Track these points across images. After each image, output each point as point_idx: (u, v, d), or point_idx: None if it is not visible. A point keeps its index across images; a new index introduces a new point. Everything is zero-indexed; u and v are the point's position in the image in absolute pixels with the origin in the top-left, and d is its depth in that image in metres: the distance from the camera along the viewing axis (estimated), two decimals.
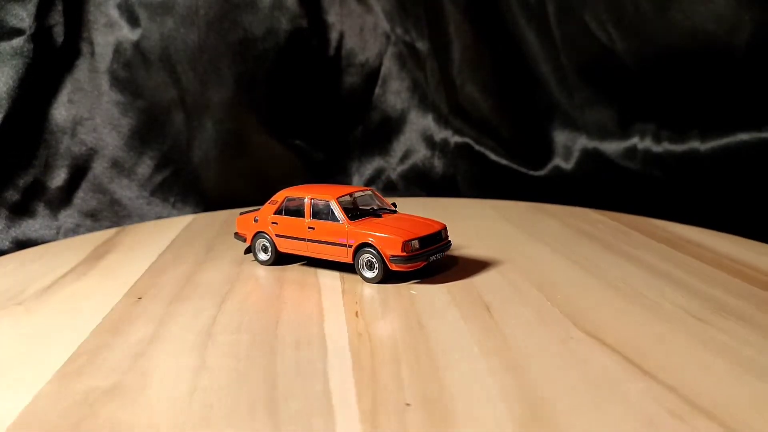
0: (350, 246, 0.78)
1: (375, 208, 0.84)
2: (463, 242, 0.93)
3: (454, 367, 0.55)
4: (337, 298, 0.72)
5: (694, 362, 0.55)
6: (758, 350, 0.57)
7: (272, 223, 0.84)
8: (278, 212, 0.84)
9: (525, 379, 0.52)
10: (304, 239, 0.81)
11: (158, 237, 1.04)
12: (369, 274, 0.77)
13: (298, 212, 0.82)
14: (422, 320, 0.65)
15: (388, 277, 0.76)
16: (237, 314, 0.68)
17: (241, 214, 0.90)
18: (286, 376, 0.54)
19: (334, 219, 0.79)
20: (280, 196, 0.85)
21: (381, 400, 0.49)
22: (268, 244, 0.85)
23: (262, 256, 0.86)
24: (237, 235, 0.90)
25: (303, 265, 0.85)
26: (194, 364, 0.56)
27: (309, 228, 0.81)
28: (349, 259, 0.78)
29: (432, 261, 0.78)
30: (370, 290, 0.74)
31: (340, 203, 0.80)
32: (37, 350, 0.61)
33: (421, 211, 0.90)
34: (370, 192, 0.86)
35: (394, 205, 0.87)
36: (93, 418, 0.48)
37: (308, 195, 0.82)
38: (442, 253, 0.80)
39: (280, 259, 0.85)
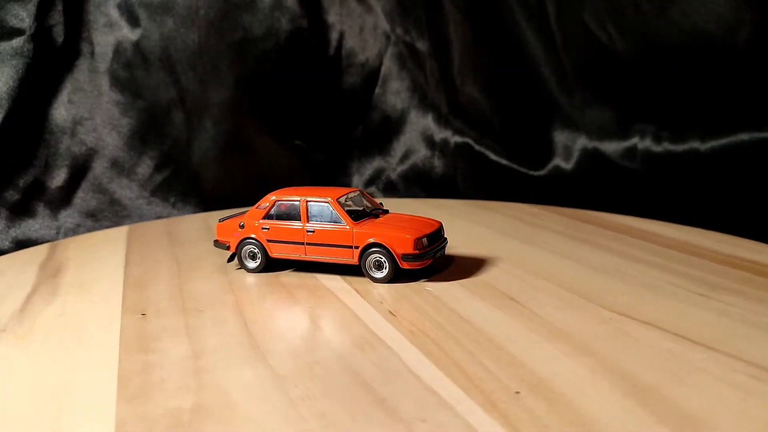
0: (357, 247, 0.77)
1: (367, 208, 0.83)
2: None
3: (529, 353, 0.56)
4: (358, 299, 0.71)
5: (729, 331, 0.59)
6: None
7: (263, 228, 0.82)
8: (268, 217, 0.82)
9: (602, 359, 0.54)
10: (302, 243, 0.80)
11: (104, 251, 0.98)
12: (378, 275, 0.76)
13: (291, 216, 0.80)
14: (462, 314, 0.65)
15: (396, 276, 0.76)
16: (267, 322, 0.67)
17: (220, 221, 0.86)
18: (375, 378, 0.53)
19: (336, 221, 0.78)
20: (267, 200, 0.83)
21: (489, 391, 0.50)
22: (257, 251, 0.82)
23: (251, 264, 0.83)
24: (218, 243, 0.86)
25: (294, 270, 0.83)
26: (266, 373, 0.55)
27: (308, 231, 0.79)
28: (354, 261, 0.77)
29: (438, 258, 0.78)
30: (383, 290, 0.74)
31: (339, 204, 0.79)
32: (72, 377, 0.57)
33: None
34: (358, 192, 0.85)
35: (382, 204, 0.86)
36: None
37: (302, 197, 0.80)
38: (444, 250, 0.80)
39: (269, 265, 0.83)
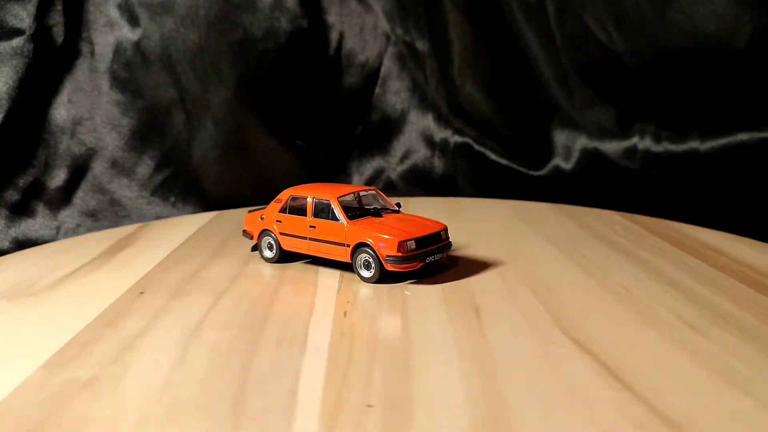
0: (348, 246, 0.78)
1: (378, 207, 0.84)
2: (465, 242, 0.93)
3: (428, 369, 0.55)
4: (331, 297, 0.72)
5: (675, 372, 0.53)
6: (747, 364, 0.55)
7: (277, 221, 0.86)
8: (282, 210, 0.85)
9: (495, 384, 0.52)
10: (305, 238, 0.82)
11: (176, 233, 1.05)
12: (366, 274, 0.77)
13: (301, 211, 0.84)
14: (408, 322, 0.65)
15: (384, 277, 0.76)
16: (229, 310, 0.69)
17: (249, 211, 0.92)
18: (259, 373, 0.54)
19: (335, 218, 0.80)
20: (285, 195, 0.86)
21: (345, 400, 0.49)
22: (273, 242, 0.86)
23: (268, 254, 0.87)
24: (245, 233, 0.92)
25: (306, 263, 0.86)
26: (174, 358, 0.57)
27: (310, 227, 0.82)
28: (347, 259, 0.79)
29: (429, 262, 0.78)
30: (365, 290, 0.75)
31: (341, 203, 0.80)
32: (32, 340, 0.63)
33: (430, 210, 0.89)
34: (373, 192, 0.86)
35: (398, 204, 0.87)
36: (64, 411, 0.49)
37: (311, 194, 0.83)
38: (441, 254, 0.80)
39: (285, 257, 0.86)
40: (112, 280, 0.80)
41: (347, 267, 0.81)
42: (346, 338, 0.61)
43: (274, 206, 0.87)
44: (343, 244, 0.79)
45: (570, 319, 0.65)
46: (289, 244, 0.85)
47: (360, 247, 0.77)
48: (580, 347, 0.58)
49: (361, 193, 0.85)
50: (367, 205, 0.85)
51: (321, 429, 0.46)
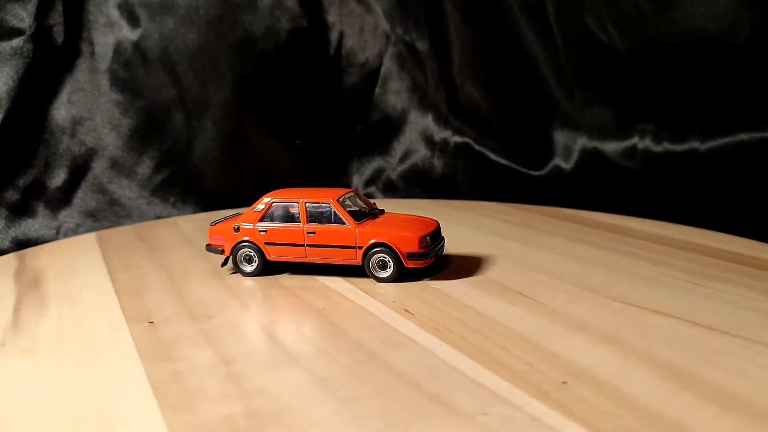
0: (360, 248, 0.77)
1: (363, 208, 0.83)
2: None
3: (558, 344, 0.56)
4: (368, 300, 0.71)
5: (735, 317, 0.60)
6: (764, 301, 0.64)
7: (260, 231, 0.81)
8: (265, 219, 0.81)
9: (630, 347, 0.55)
10: (302, 245, 0.79)
11: (80, 259, 0.94)
12: (383, 274, 0.76)
13: (290, 218, 0.80)
14: (477, 310, 0.66)
15: (402, 275, 0.76)
16: (287, 326, 0.66)
17: (212, 224, 0.85)
18: (414, 375, 0.52)
19: (338, 222, 0.78)
20: (264, 203, 0.81)
21: (534, 382, 0.50)
22: (253, 254, 0.81)
23: (247, 267, 0.82)
24: (210, 247, 0.85)
25: (292, 272, 0.82)
26: (304, 378, 0.53)
27: (308, 233, 0.79)
28: (357, 261, 0.77)
29: (440, 255, 0.79)
30: (388, 289, 0.74)
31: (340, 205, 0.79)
32: (102, 389, 0.54)
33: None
34: (353, 192, 0.84)
35: (376, 205, 0.86)
36: None
37: (300, 199, 0.79)
38: (443, 249, 0.81)
39: (265, 268, 0.81)
40: (89, 317, 0.71)
41: (341, 270, 0.80)
42: (445, 332, 0.61)
43: (251, 215, 0.82)
44: (354, 247, 0.77)
45: (604, 290, 0.69)
46: (279, 254, 0.80)
47: (373, 248, 0.76)
48: (646, 310, 0.63)
49: (347, 195, 0.83)
50: (351, 206, 0.82)
51: (552, 407, 0.46)
